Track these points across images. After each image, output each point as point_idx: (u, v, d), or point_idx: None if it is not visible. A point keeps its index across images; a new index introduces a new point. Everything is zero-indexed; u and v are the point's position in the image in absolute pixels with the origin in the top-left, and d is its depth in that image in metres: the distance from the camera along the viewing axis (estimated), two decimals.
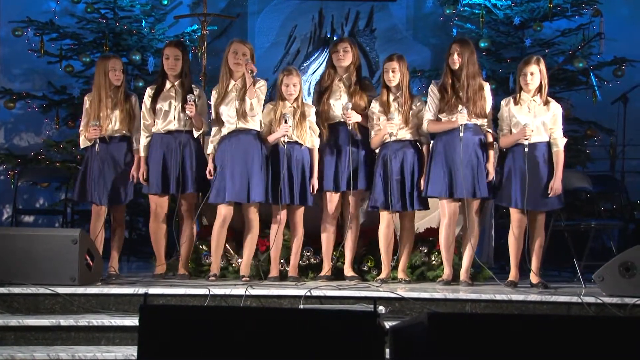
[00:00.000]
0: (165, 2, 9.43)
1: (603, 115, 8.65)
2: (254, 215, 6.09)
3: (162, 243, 6.29)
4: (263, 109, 6.19)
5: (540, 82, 5.91)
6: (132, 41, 9.12)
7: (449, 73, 6.02)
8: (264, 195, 6.02)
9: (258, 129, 6.10)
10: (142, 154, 6.23)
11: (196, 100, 6.09)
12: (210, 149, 6.15)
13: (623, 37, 8.73)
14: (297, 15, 9.97)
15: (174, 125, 6.19)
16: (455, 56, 5.97)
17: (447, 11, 9.19)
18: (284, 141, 6.03)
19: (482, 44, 8.69)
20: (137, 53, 9.00)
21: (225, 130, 6.08)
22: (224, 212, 6.07)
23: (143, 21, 9.19)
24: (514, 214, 5.94)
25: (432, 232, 6.44)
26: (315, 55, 10.00)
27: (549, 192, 5.87)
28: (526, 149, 5.81)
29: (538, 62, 5.90)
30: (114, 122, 6.23)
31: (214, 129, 6.16)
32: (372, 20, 9.96)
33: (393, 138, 6.04)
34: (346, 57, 6.25)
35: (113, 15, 9.15)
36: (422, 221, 6.56)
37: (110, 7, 9.13)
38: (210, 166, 6.10)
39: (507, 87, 8.52)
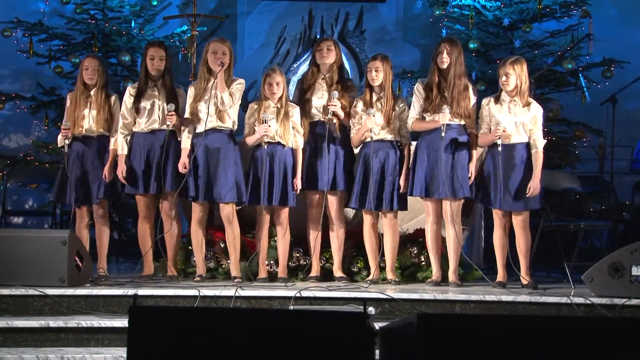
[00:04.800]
0: (155, 3, 9.41)
1: (592, 116, 8.67)
2: (230, 216, 6.06)
3: (149, 243, 6.26)
4: (246, 109, 6.18)
5: (516, 83, 5.90)
6: (121, 42, 9.10)
7: (436, 72, 6.02)
8: (235, 196, 5.99)
9: (232, 127, 6.08)
10: (119, 152, 6.19)
11: (178, 108, 6.09)
12: (187, 143, 6.09)
13: (612, 38, 8.77)
14: (286, 16, 9.97)
15: (157, 124, 6.17)
16: (445, 55, 5.98)
17: (437, 12, 9.20)
18: (264, 142, 6.02)
19: (471, 45, 8.71)
20: (126, 54, 8.99)
21: (200, 128, 6.07)
22: (197, 209, 6.09)
23: (132, 22, 9.18)
24: (496, 215, 5.97)
25: (421, 233, 6.43)
26: (305, 57, 9.97)
27: (526, 192, 5.86)
28: (499, 149, 5.81)
29: (514, 64, 5.92)
30: (89, 122, 6.22)
31: (189, 127, 6.11)
32: (361, 21, 9.96)
33: (374, 137, 6.02)
34: (329, 55, 6.25)
35: (102, 16, 9.13)
36: (411, 222, 6.57)
37: (99, 8, 9.11)
38: (184, 160, 6.05)
39: (496, 89, 8.50)
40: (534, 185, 5.85)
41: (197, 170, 6.02)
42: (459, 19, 9.11)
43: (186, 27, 9.05)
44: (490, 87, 8.53)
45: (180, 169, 6.05)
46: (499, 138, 5.81)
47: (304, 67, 9.86)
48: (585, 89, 8.72)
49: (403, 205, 6.14)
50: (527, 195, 5.87)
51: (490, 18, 9.00)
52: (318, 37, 9.87)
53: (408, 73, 9.09)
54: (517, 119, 5.89)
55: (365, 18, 9.97)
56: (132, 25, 9.17)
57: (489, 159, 5.96)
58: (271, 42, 9.93)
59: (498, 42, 9.05)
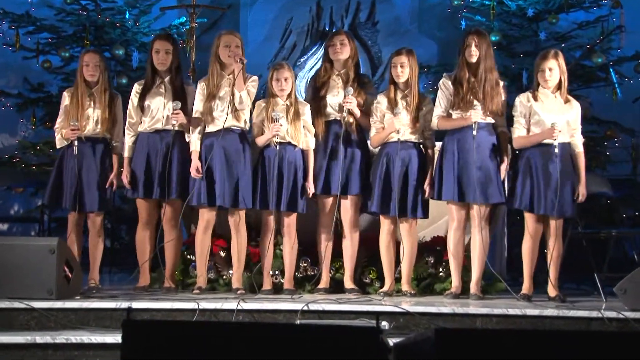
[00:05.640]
0: None
1: (624, 115, 8.65)
2: (241, 222, 6.07)
3: (148, 252, 6.26)
4: (253, 107, 6.17)
5: (560, 78, 5.89)
6: (114, 35, 9.12)
7: (465, 66, 6.00)
8: (250, 201, 6.00)
9: (245, 127, 6.08)
10: (125, 154, 6.21)
11: (186, 106, 6.08)
12: (196, 145, 6.08)
13: None
14: (293, 7, 9.99)
15: (161, 124, 6.16)
16: (473, 48, 5.95)
17: (455, 2, 9.21)
18: (275, 142, 6.01)
19: (493, 38, 8.64)
20: (120, 47, 9.01)
21: (213, 128, 6.05)
22: (206, 216, 6.06)
23: (127, 13, 9.20)
24: (529, 220, 5.92)
25: (440, 241, 6.42)
26: (313, 50, 10.01)
27: (574, 197, 5.85)
28: (556, 150, 5.78)
29: (556, 56, 5.89)
30: (92, 123, 6.22)
31: (199, 127, 6.09)
32: (374, 12, 9.98)
33: (398, 137, 6.01)
34: (343, 51, 6.24)
35: (94, 7, 9.17)
36: (428, 229, 6.54)
37: None
38: (196, 163, 6.03)
39: (520, 84, 8.52)
40: (583, 190, 5.85)
41: (211, 174, 6.00)
42: (480, 9, 9.11)
43: (185, 19, 9.07)
44: (512, 83, 8.52)
45: (194, 174, 6.01)
46: (556, 139, 5.77)
47: (311, 62, 9.88)
48: (616, 85, 8.70)
49: (426, 213, 6.14)
50: (578, 201, 5.87)
51: (513, 8, 8.99)
52: (327, 29, 9.88)
53: (424, 68, 9.07)
54: (562, 117, 5.87)
55: (378, 9, 9.98)
56: (127, 16, 9.19)
57: (525, 159, 5.93)
58: (276, 34, 9.95)
59: (521, 35, 9.04)
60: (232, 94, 6.01)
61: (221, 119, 6.01)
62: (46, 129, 9.04)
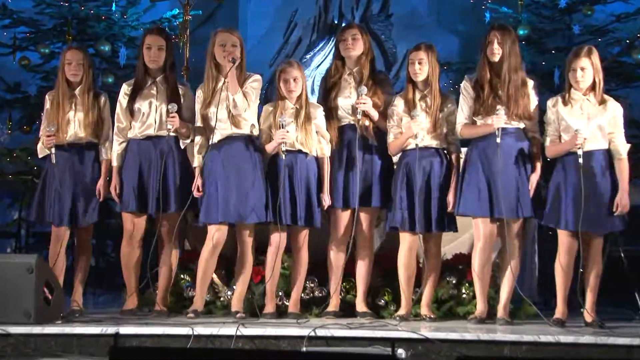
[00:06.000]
0: None
1: None
2: (248, 239, 6.08)
3: (136, 271, 6.26)
4: (260, 111, 6.18)
5: (594, 78, 5.89)
6: (99, 29, 9.14)
7: (487, 66, 6.01)
8: (263, 215, 6.01)
9: (251, 133, 6.09)
10: (114, 163, 6.22)
11: (181, 109, 6.09)
12: (197, 160, 6.12)
13: None
14: None
15: (153, 130, 6.18)
16: (495, 45, 5.96)
17: None
18: (283, 150, 6.02)
19: (521, 32, 8.71)
20: (105, 43, 9.03)
21: (214, 138, 6.07)
22: (216, 235, 6.03)
23: (113, 5, 9.22)
24: (564, 238, 5.92)
25: (463, 259, 6.42)
26: (320, 45, 10.03)
27: (614, 209, 5.83)
28: (580, 159, 5.78)
29: (590, 54, 5.89)
30: (76, 127, 6.24)
31: (200, 138, 6.13)
32: (387, 3, 10.02)
33: (418, 143, 6.01)
34: (356, 46, 6.26)
35: None
36: (450, 245, 6.54)
37: None
38: (198, 181, 6.07)
39: (551, 84, 8.52)
40: (623, 201, 5.83)
41: (214, 187, 6.01)
42: None
43: (177, 11, 9.09)
44: (543, 82, 8.52)
45: (196, 193, 6.05)
46: (580, 148, 5.78)
47: (318, 59, 9.90)
48: None
49: (454, 226, 6.14)
50: (616, 214, 5.84)
51: None
52: (335, 22, 9.91)
53: (444, 65, 9.04)
54: (592, 122, 5.87)
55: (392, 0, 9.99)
56: (113, 8, 9.21)
57: (560, 169, 5.93)
58: (279, 28, 9.97)
59: (553, 28, 9.05)
60: (228, 98, 6.02)
61: (220, 128, 6.02)
62: (24, 134, 9.07)
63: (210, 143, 6.08)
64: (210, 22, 9.43)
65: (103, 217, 6.36)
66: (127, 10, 9.36)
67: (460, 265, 6.45)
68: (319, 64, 9.74)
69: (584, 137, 5.78)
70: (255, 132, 6.12)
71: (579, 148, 5.77)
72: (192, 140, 6.21)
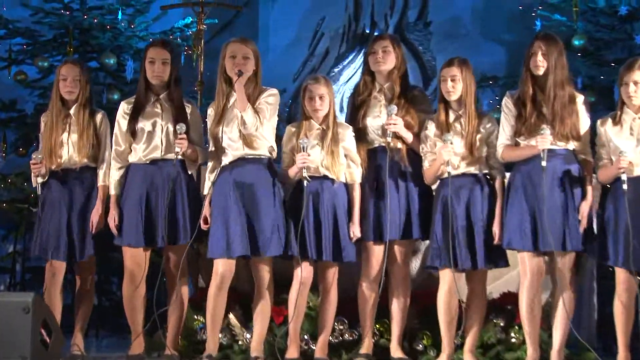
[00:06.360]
0: None
1: None
2: (266, 275, 6.04)
3: (141, 312, 6.24)
4: (282, 132, 6.18)
5: None
6: (104, 40, 9.18)
7: (530, 80, 5.99)
8: (280, 247, 5.99)
9: (268, 155, 6.08)
10: (112, 191, 6.21)
11: (189, 129, 6.08)
12: (207, 187, 6.11)
13: None
14: (325, 4, 10.05)
15: (160, 153, 6.18)
16: (540, 57, 5.93)
17: None
18: (305, 176, 5.98)
19: (576, 42, 8.71)
20: (111, 55, 9.07)
21: (226, 160, 6.07)
22: (221, 269, 5.99)
23: (119, 13, 9.26)
24: (620, 274, 5.86)
25: (511, 299, 6.38)
26: (350, 58, 10.04)
27: None
28: (624, 185, 5.75)
29: None
30: (69, 151, 6.26)
31: (212, 162, 6.12)
32: (426, 10, 10.01)
33: (453, 171, 5.99)
34: (387, 60, 6.25)
35: (79, 5, 9.21)
36: (496, 283, 6.52)
37: None
38: (206, 211, 6.05)
39: (610, 100, 8.47)
40: None
41: (224, 216, 5.98)
42: (559, 6, 9.09)
43: (191, 20, 9.13)
44: (602, 99, 8.48)
45: (203, 225, 6.04)
46: (624, 171, 5.75)
47: (348, 72, 9.90)
48: None
49: (503, 261, 6.08)
50: None
51: (601, 5, 8.97)
52: (367, 31, 9.91)
53: (489, 80, 9.07)
54: None
55: (431, 6, 10.02)
56: (119, 17, 9.25)
57: (609, 197, 5.90)
58: (304, 38, 9.99)
59: (612, 38, 9.01)
60: (239, 116, 6.01)
61: (232, 148, 6.02)
62: (20, 157, 9.09)
63: (221, 166, 6.07)
64: (227, 31, 9.46)
65: (101, 251, 6.34)
66: (135, 19, 9.40)
67: (508, 305, 6.43)
68: (349, 78, 9.74)
69: (629, 161, 5.75)
70: (275, 154, 6.12)
71: (623, 172, 5.74)
72: (200, 165, 6.21)
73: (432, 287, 6.17)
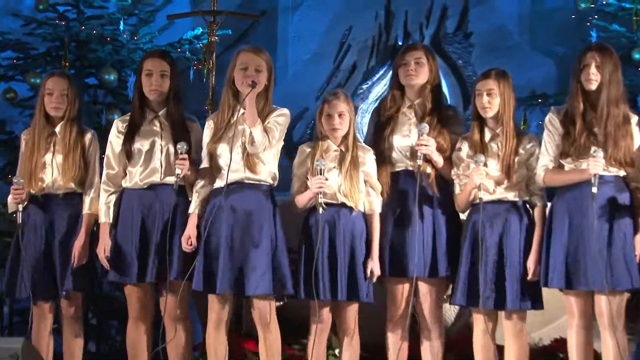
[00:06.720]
0: None
1: None
2: (267, 316, 6.01)
3: (145, 357, 6.23)
4: (293, 155, 6.18)
5: None
6: (104, 53, 9.20)
7: (580, 95, 5.96)
8: (273, 287, 5.93)
9: (270, 182, 6.05)
10: (103, 219, 6.19)
11: (190, 148, 6.06)
12: (193, 205, 6.07)
13: None
14: (352, 13, 10.06)
15: (159, 177, 6.15)
16: (593, 69, 5.90)
17: (582, 5, 9.23)
18: (321, 202, 5.96)
19: (636, 55, 8.68)
20: (111, 71, 9.07)
21: (220, 182, 6.02)
22: (216, 307, 6.01)
23: (121, 23, 9.28)
24: None
25: (562, 346, 6.37)
26: (381, 73, 10.07)
27: None
28: None
29: None
30: (53, 173, 6.26)
31: (203, 180, 6.09)
32: (466, 19, 10.01)
33: (488, 197, 5.98)
34: (419, 73, 6.25)
35: (76, 15, 9.24)
36: (545, 329, 6.58)
37: (71, 3, 9.24)
38: (190, 231, 6.02)
39: None
40: None
41: (216, 247, 5.98)
42: (617, 15, 9.06)
43: (201, 31, 9.12)
44: None
45: (184, 245, 6.01)
46: None
47: (378, 89, 9.91)
48: None
49: (536, 302, 6.03)
50: None
51: None
52: (399, 43, 9.88)
53: (539, 97, 9.03)
54: None
55: (472, 15, 10.02)
56: (121, 27, 9.27)
57: None
58: (329, 51, 10.01)
59: None
60: (245, 133, 5.97)
61: (231, 170, 5.95)
62: (8, 185, 9.07)
63: (214, 187, 6.05)
64: (241, 44, 9.41)
65: (85, 287, 6.31)
66: (139, 30, 9.41)
67: (561, 353, 6.49)
68: (379, 96, 9.71)
69: None
70: (275, 182, 6.08)
71: None
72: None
73: (470, 332, 6.17)
